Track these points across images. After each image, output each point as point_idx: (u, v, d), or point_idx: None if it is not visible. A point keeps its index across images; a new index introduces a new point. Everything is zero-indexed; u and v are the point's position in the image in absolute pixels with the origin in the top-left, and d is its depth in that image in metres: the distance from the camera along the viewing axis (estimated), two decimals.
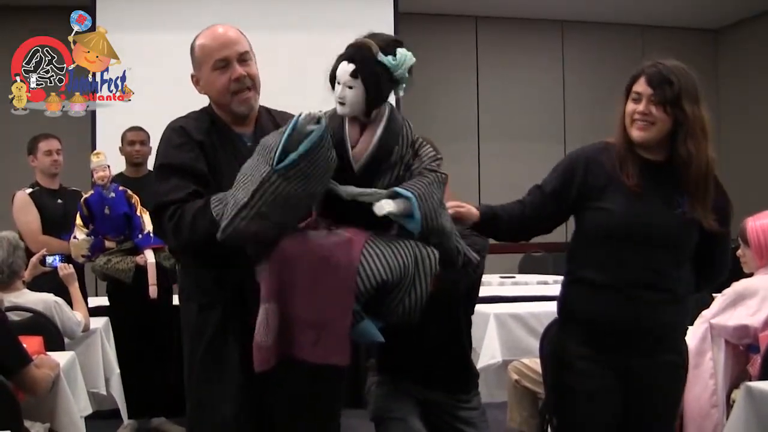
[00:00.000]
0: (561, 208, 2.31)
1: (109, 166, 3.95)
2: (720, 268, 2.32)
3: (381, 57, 1.80)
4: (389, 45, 1.83)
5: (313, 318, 1.75)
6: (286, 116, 2.24)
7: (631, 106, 2.17)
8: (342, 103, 1.83)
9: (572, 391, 2.27)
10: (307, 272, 1.75)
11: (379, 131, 1.85)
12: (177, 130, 2.12)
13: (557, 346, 2.34)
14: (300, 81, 4.80)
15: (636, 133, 2.15)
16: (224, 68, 2.11)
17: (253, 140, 2.14)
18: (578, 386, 2.25)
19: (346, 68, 1.80)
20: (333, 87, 1.87)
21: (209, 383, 2.06)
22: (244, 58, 2.13)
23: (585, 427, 2.27)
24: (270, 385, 1.99)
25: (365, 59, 1.80)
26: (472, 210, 2.24)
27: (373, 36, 1.86)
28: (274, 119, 2.22)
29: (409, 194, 1.76)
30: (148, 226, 3.90)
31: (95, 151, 4.10)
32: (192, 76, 2.20)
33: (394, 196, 1.77)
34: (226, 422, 2.04)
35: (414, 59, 1.85)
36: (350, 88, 1.81)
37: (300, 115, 1.74)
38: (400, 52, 1.82)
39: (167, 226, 1.99)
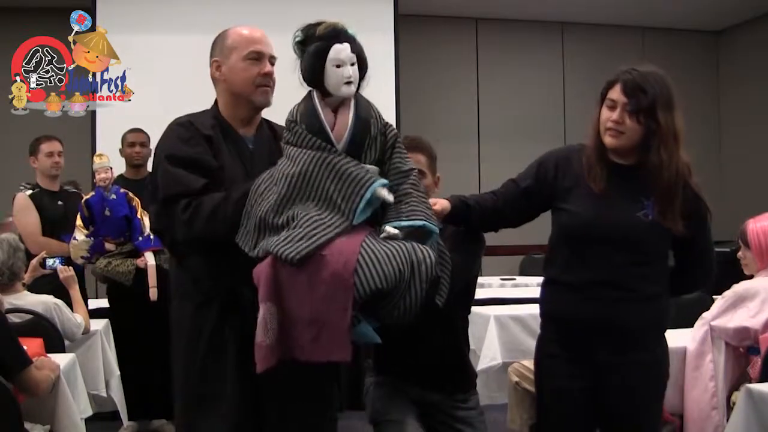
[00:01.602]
0: (530, 205, 2.35)
1: (111, 168, 3.95)
2: (700, 272, 2.31)
3: (350, 31, 1.89)
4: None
5: (311, 316, 1.75)
6: (281, 128, 2.28)
7: (605, 113, 2.19)
8: (351, 83, 1.87)
9: (544, 389, 2.33)
10: (303, 271, 1.75)
11: (353, 107, 1.90)
12: (184, 125, 2.14)
13: (537, 347, 2.38)
14: (299, 81, 4.78)
15: (608, 140, 2.18)
16: (256, 60, 2.17)
17: (254, 143, 2.21)
18: (549, 385, 2.30)
19: (345, 48, 1.86)
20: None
21: (208, 382, 2.07)
22: (272, 61, 2.21)
23: (556, 426, 2.28)
24: (266, 382, 1.99)
25: (351, 36, 1.88)
26: (444, 205, 2.26)
27: (315, 26, 1.91)
28: (273, 129, 2.28)
29: (436, 229, 1.88)
30: (149, 229, 3.90)
31: (98, 153, 4.08)
32: (213, 61, 2.21)
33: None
34: (226, 419, 2.05)
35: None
36: (352, 65, 1.87)
37: (376, 183, 1.82)
38: (346, 24, 1.92)
39: (180, 217, 1.99)
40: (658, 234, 2.17)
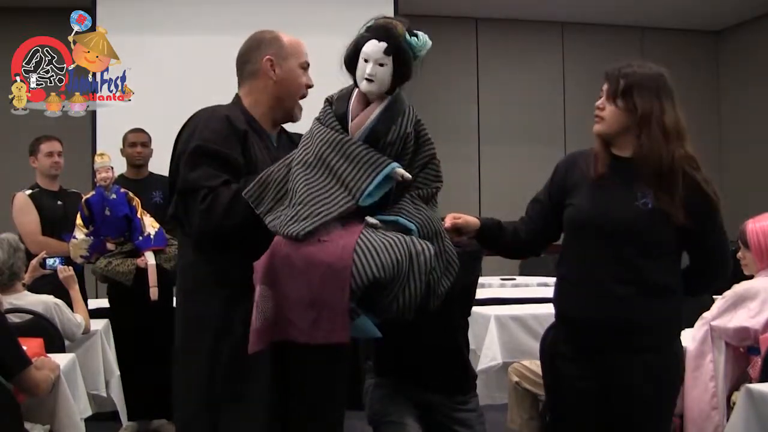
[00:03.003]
0: (555, 212, 2.36)
1: (112, 168, 3.95)
2: (713, 271, 2.30)
3: (408, 37, 1.87)
4: (409, 27, 1.90)
5: (310, 298, 1.75)
6: (296, 136, 2.28)
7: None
8: (371, 80, 1.87)
9: (553, 390, 2.34)
10: (301, 255, 1.76)
11: (379, 109, 1.90)
12: (220, 119, 2.10)
13: (546, 345, 2.39)
14: None
15: (594, 127, 2.24)
16: (305, 72, 2.22)
17: (277, 144, 2.23)
18: (558, 385, 2.31)
19: (378, 46, 1.85)
20: (349, 68, 1.92)
21: (239, 381, 2.03)
22: None
23: (566, 427, 2.28)
24: (294, 380, 2.01)
25: (397, 38, 1.86)
26: (470, 220, 2.28)
27: (390, 19, 1.92)
28: (288, 135, 2.30)
29: (412, 226, 1.86)
30: (149, 228, 3.90)
31: (99, 152, 4.06)
32: (267, 58, 2.20)
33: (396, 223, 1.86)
34: (256, 419, 2.01)
35: (430, 42, 1.91)
36: (381, 65, 1.86)
37: (391, 167, 1.84)
38: (421, 34, 1.90)
39: (197, 208, 1.98)
40: (659, 223, 2.15)
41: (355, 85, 1.93)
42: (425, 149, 1.97)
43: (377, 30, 1.88)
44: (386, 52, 1.85)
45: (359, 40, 1.89)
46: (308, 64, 2.23)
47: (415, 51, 1.88)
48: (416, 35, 1.88)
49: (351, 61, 1.91)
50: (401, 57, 1.87)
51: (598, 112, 2.22)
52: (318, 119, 1.97)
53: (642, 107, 2.14)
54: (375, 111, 1.89)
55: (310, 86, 2.23)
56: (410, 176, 1.87)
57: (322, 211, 1.79)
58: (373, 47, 1.85)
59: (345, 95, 1.95)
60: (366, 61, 1.87)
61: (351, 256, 1.72)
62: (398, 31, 1.86)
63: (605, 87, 2.21)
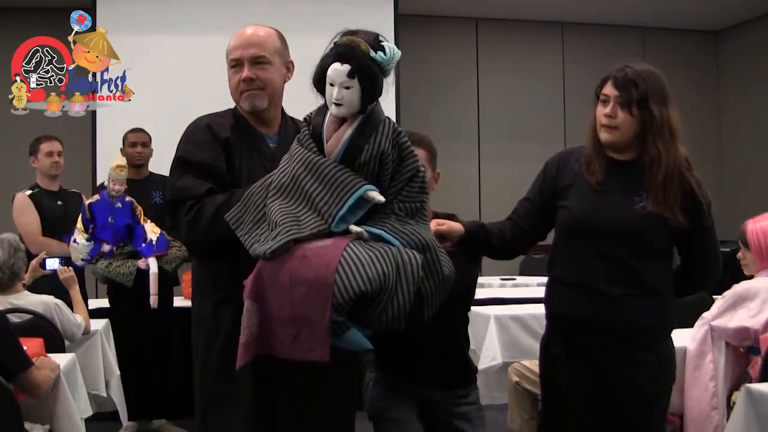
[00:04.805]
0: (546, 211, 2.35)
1: (125, 182, 3.94)
2: (703, 271, 2.30)
3: (373, 54, 1.81)
4: (375, 40, 1.85)
5: (291, 315, 1.75)
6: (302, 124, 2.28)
7: (600, 109, 2.21)
8: (339, 104, 1.83)
9: (548, 390, 2.34)
10: (285, 271, 1.76)
11: (351, 130, 1.86)
12: (202, 128, 2.15)
13: (542, 346, 2.39)
14: (299, 83, 4.76)
15: (603, 135, 2.20)
16: (236, 68, 2.18)
17: (278, 143, 2.21)
18: (553, 386, 2.31)
19: (340, 69, 1.80)
20: (319, 89, 1.89)
21: (225, 381, 2.05)
22: (259, 60, 2.17)
23: (562, 428, 2.29)
24: (282, 383, 2.02)
25: (360, 58, 1.80)
26: (454, 226, 2.25)
27: (354, 33, 1.87)
28: (298, 128, 2.23)
29: (395, 242, 1.82)
30: (150, 234, 3.90)
31: (120, 164, 3.98)
32: None
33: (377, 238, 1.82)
34: (240, 420, 2.04)
35: (399, 52, 1.86)
36: (347, 88, 1.81)
37: (362, 189, 1.80)
38: (388, 46, 1.84)
39: (183, 220, 2.03)
40: (657, 227, 2.16)
41: (326, 106, 1.89)
42: (408, 163, 1.91)
43: (339, 51, 1.82)
44: (350, 75, 1.79)
45: (324, 62, 1.84)
46: (236, 60, 2.16)
47: (382, 66, 1.83)
48: (383, 49, 1.82)
49: (319, 83, 1.86)
50: (367, 77, 1.81)
51: (609, 120, 2.17)
52: (297, 139, 1.95)
53: (659, 115, 2.13)
54: (347, 131, 1.86)
55: (245, 79, 2.15)
56: (383, 198, 1.82)
57: (292, 230, 1.78)
58: (337, 70, 1.80)
59: (320, 114, 1.92)
60: (332, 85, 1.82)
61: (334, 273, 1.71)
62: (362, 50, 1.80)
63: (614, 94, 2.16)
